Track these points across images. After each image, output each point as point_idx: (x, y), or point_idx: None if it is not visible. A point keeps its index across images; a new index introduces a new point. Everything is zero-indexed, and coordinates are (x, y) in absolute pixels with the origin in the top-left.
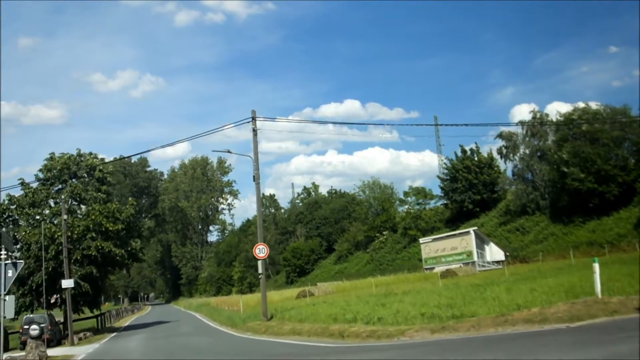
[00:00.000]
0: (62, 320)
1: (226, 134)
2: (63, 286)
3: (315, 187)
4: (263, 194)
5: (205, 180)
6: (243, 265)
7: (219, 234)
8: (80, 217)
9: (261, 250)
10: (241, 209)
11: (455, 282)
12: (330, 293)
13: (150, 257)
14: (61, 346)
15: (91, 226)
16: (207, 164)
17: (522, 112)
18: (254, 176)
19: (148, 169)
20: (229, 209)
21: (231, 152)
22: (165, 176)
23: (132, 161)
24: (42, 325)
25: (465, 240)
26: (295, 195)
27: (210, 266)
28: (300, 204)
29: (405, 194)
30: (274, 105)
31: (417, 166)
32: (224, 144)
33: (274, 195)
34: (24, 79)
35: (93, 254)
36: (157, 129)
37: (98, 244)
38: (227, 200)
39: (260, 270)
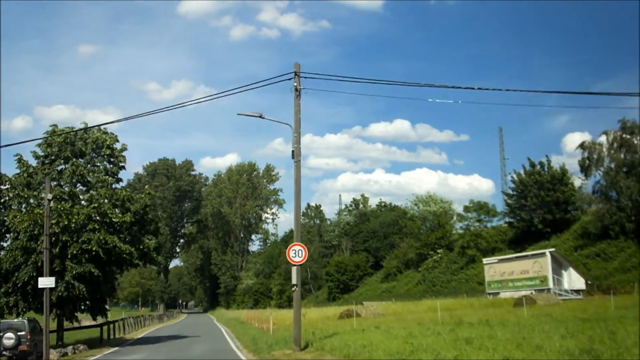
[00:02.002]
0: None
1: (274, 147)
2: (40, 285)
3: (365, 199)
4: (308, 204)
5: (250, 187)
6: (283, 277)
7: (261, 243)
8: (84, 203)
9: (297, 253)
10: (286, 222)
11: (537, 312)
12: (379, 315)
13: (190, 263)
14: None
15: (93, 215)
16: (254, 170)
17: (575, 140)
18: (292, 152)
19: (192, 172)
20: (273, 219)
21: (263, 117)
22: (210, 181)
23: (177, 163)
24: (20, 333)
25: (539, 263)
26: (343, 207)
27: (249, 277)
28: (348, 216)
29: (466, 208)
30: (324, 122)
31: (465, 189)
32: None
33: (319, 205)
34: (83, 85)
35: (94, 249)
36: (207, 139)
37: (101, 237)
38: (271, 209)
39: (294, 280)
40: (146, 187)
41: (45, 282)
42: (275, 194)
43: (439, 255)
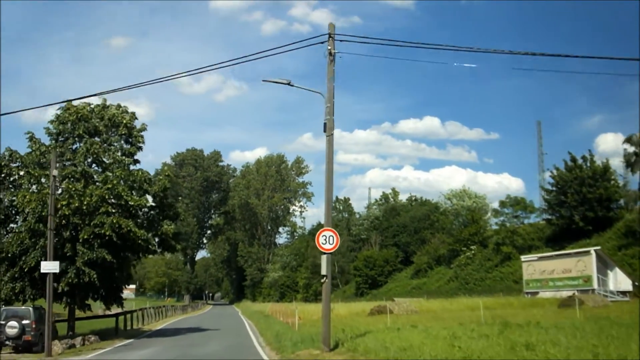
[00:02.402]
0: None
1: (303, 142)
2: (43, 270)
3: (395, 193)
4: (337, 197)
5: (279, 179)
6: (309, 271)
7: (288, 236)
8: (99, 183)
9: (328, 240)
10: (313, 217)
11: (589, 314)
12: (413, 312)
13: (217, 255)
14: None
15: (107, 197)
16: (283, 162)
17: (608, 141)
18: (324, 124)
19: (220, 163)
20: (301, 212)
21: (292, 85)
22: (238, 172)
23: (205, 154)
24: (24, 322)
25: (583, 262)
26: (373, 200)
27: (276, 270)
28: (377, 210)
29: (502, 203)
30: (354, 117)
31: (495, 188)
32: (300, 152)
33: (348, 199)
34: (114, 77)
35: (107, 233)
36: (237, 133)
37: (114, 220)
38: (299, 202)
39: (324, 271)
40: (164, 167)
41: (49, 266)
42: (304, 187)
43: (472, 251)
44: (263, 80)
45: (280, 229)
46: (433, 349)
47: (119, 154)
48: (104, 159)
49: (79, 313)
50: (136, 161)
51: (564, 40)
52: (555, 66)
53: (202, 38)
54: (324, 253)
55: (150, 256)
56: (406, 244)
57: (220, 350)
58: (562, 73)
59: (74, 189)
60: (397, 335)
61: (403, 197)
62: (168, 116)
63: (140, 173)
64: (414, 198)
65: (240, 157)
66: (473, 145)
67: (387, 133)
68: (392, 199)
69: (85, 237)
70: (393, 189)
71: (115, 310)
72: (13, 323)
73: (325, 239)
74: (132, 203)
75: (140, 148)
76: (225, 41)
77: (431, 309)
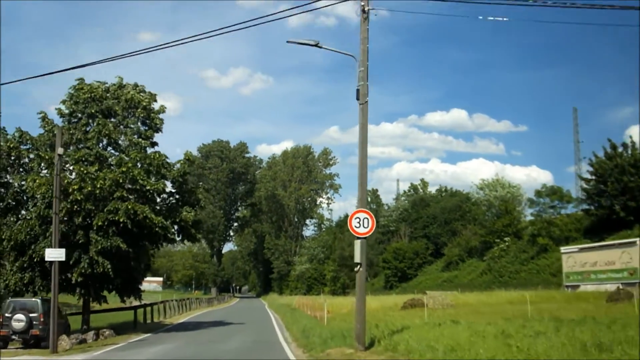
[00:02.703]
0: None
1: (330, 135)
2: (47, 258)
3: (425, 184)
4: None
5: (306, 170)
6: (337, 264)
7: (315, 228)
8: (113, 166)
9: (362, 222)
10: (340, 209)
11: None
12: (449, 306)
13: (244, 248)
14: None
15: (121, 181)
16: (310, 153)
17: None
18: (357, 90)
19: (247, 155)
20: (328, 204)
21: (320, 46)
22: (264, 164)
23: (232, 145)
24: (32, 315)
25: (627, 253)
26: (401, 192)
27: (303, 263)
28: (406, 202)
29: (538, 193)
30: (380, 110)
31: (523, 180)
32: (327, 145)
33: (376, 190)
34: (143, 72)
35: (121, 219)
36: (264, 127)
37: (129, 206)
38: (327, 194)
39: (357, 258)
40: (186, 151)
41: (54, 254)
42: (331, 179)
43: (507, 243)
44: (288, 42)
45: (307, 221)
46: (486, 348)
47: (136, 136)
48: (119, 141)
49: (96, 306)
50: (154, 144)
51: (599, 26)
52: (587, 60)
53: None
54: (358, 238)
55: (177, 248)
56: (436, 236)
57: (242, 347)
58: (594, 61)
59: (85, 171)
60: (440, 332)
61: (432, 189)
62: (195, 110)
63: (157, 156)
64: (444, 189)
65: (267, 150)
66: (501, 137)
67: (414, 126)
68: (421, 190)
69: (99, 224)
70: (422, 180)
71: (133, 303)
72: (20, 316)
73: (359, 222)
74: (149, 187)
75: (158, 130)
76: (251, 34)
77: (467, 302)
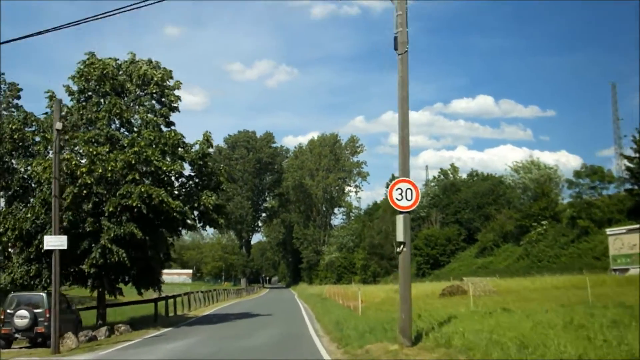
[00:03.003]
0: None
1: (355, 125)
2: (46, 246)
3: (455, 169)
4: (393, 175)
5: (333, 158)
6: (367, 252)
7: (344, 217)
8: (126, 148)
9: (404, 194)
10: (367, 199)
11: None
12: (492, 293)
13: (272, 238)
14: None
15: (134, 162)
16: (336, 141)
17: None
18: (395, 38)
19: (273, 144)
20: (356, 192)
21: None
22: (291, 153)
23: (258, 136)
24: (37, 311)
25: None
26: (431, 177)
27: (332, 252)
28: (436, 187)
29: (577, 174)
30: None
31: (552, 166)
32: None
33: None
34: (168, 66)
35: (135, 204)
36: (290, 119)
37: (143, 189)
38: (354, 181)
39: (400, 236)
40: (205, 132)
41: (53, 242)
42: (359, 166)
43: (544, 227)
44: None
45: (336, 210)
46: (564, 344)
47: (150, 115)
48: (132, 120)
49: (117, 299)
50: (170, 123)
51: (624, 11)
52: (614, 45)
53: (252, 23)
54: (400, 212)
55: (206, 240)
56: (469, 221)
57: (268, 342)
58: (623, 42)
59: (95, 152)
60: (495, 323)
61: (462, 175)
62: (221, 103)
63: (172, 134)
64: (475, 173)
65: (293, 141)
66: (528, 123)
67: (440, 113)
68: (451, 176)
69: (111, 209)
70: (452, 165)
71: (152, 295)
72: (22, 312)
73: (400, 194)
74: (165, 168)
75: (174, 109)
76: (275, 25)
77: (510, 288)
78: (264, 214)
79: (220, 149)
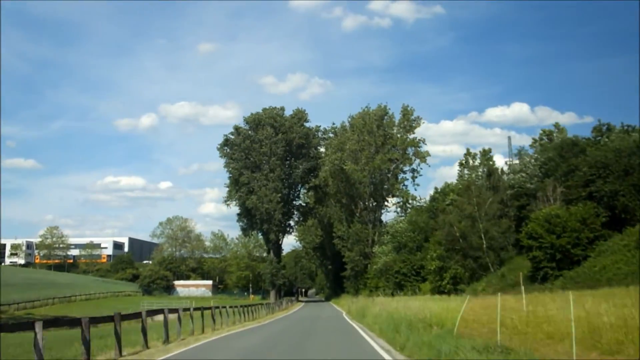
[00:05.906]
0: None
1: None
2: None
3: (561, 129)
4: (461, 162)
5: (381, 136)
6: (443, 248)
7: (399, 209)
8: None
9: None
10: (425, 179)
11: None
12: None
13: (308, 242)
14: None
15: None
16: (386, 114)
17: None
18: None
19: (306, 123)
20: (414, 177)
21: None
22: (330, 134)
23: (287, 114)
24: None
25: None
26: (531, 142)
27: (386, 254)
28: (545, 152)
29: None
30: (440, 108)
31: None
32: None
33: (489, 150)
34: (204, 81)
35: None
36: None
37: None
38: (410, 164)
39: None
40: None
41: None
42: (416, 145)
43: None
44: None
45: (387, 201)
46: None
47: None
48: None
49: None
50: None
51: None
52: None
53: (286, 37)
54: None
55: (230, 246)
56: (611, 196)
57: None
58: None
59: None
60: None
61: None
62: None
63: None
64: (603, 126)
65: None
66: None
67: (475, 122)
68: (557, 137)
69: None
70: (556, 124)
71: None
72: None
73: None
74: None
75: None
76: (308, 39)
77: None
78: (296, 212)
79: (239, 129)
